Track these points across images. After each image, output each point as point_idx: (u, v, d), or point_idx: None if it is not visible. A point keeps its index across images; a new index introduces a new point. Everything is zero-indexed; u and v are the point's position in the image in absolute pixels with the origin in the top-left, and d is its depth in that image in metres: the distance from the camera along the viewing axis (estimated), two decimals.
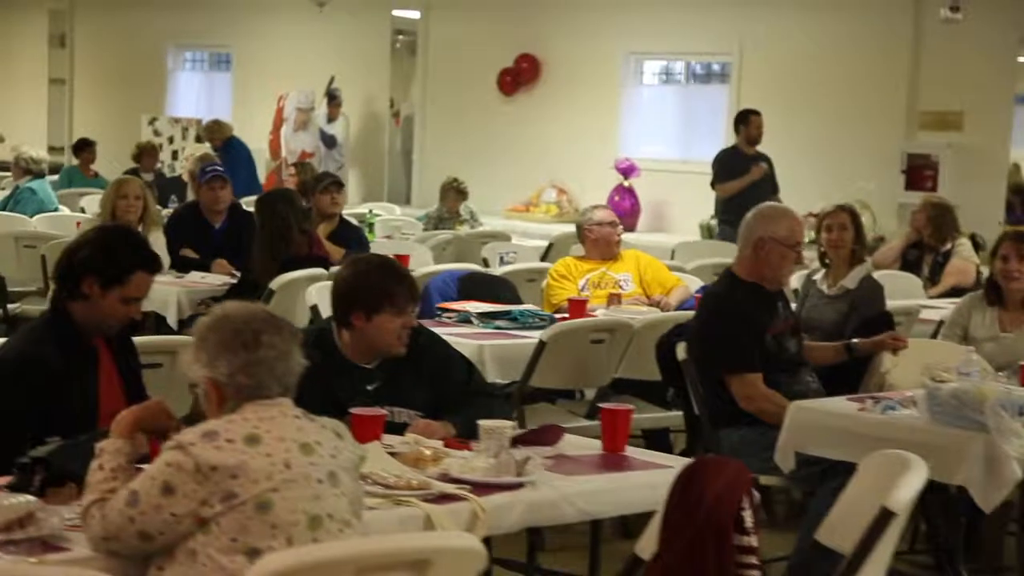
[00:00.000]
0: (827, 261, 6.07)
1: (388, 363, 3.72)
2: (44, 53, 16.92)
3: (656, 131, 12.34)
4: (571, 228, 9.96)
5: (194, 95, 15.79)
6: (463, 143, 13.08)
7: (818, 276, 6.10)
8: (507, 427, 3.36)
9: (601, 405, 3.71)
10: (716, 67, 12.15)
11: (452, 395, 3.72)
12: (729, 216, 9.33)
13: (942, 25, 9.96)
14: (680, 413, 5.24)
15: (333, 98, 13.62)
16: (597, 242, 6.61)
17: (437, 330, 5.53)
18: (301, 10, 13.74)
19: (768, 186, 9.70)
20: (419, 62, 13.57)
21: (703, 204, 11.25)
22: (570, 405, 5.72)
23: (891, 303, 6.75)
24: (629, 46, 12.17)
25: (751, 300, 4.86)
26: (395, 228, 9.79)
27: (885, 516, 3.02)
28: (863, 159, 10.55)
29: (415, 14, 13.53)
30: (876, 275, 7.97)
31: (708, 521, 2.86)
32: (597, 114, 12.32)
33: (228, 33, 15.08)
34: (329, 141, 13.59)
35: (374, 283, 3.67)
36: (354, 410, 3.38)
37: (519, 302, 6.23)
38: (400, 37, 13.62)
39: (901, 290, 7.60)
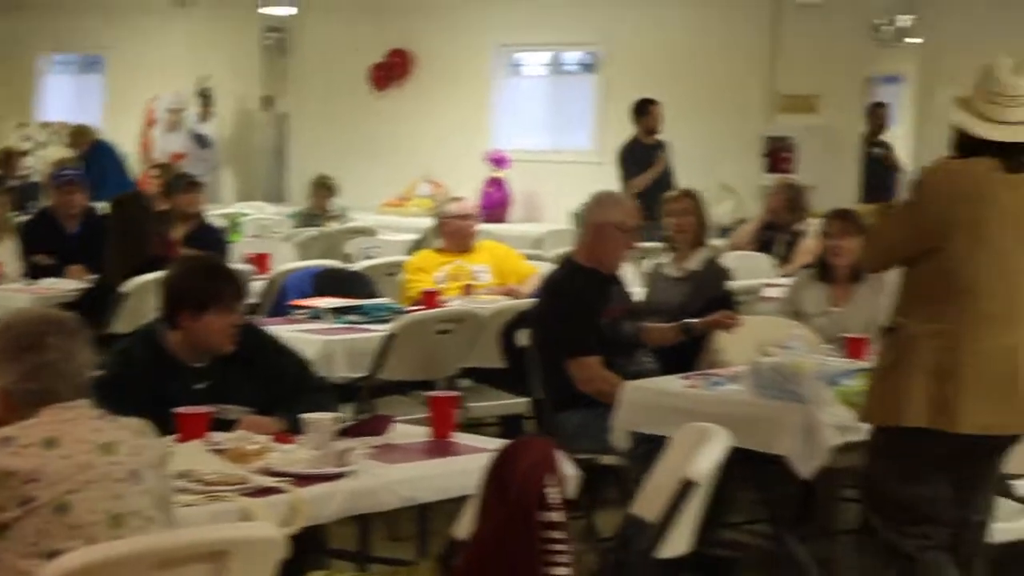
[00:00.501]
0: (673, 245, 6.26)
1: (218, 361, 3.79)
2: None
3: (527, 122, 12.49)
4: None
5: (65, 99, 15.60)
6: (336, 140, 13.12)
7: (664, 259, 6.28)
8: (329, 419, 3.45)
9: (428, 394, 3.82)
10: (584, 58, 12.32)
11: (284, 391, 3.80)
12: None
13: (799, 10, 10.24)
14: None
15: (204, 98, 13.58)
16: (452, 235, 6.73)
17: (288, 327, 5.67)
18: (169, 11, 13.67)
19: (670, 174, 9.80)
20: (290, 59, 13.57)
21: (573, 193, 11.41)
22: (424, 396, 5.81)
23: (739, 282, 6.98)
24: (499, 38, 12.31)
25: (588, 285, 5.02)
26: (264, 227, 9.84)
27: (687, 486, 3.17)
28: (726, 144, 10.80)
29: (285, 11, 13.51)
30: (730, 256, 8.25)
31: (516, 500, 2.98)
32: (468, 107, 12.45)
33: (98, 36, 14.92)
34: (201, 141, 13.54)
35: (201, 283, 3.75)
36: (178, 409, 3.45)
37: (374, 297, 6.33)
38: (270, 34, 13.60)
39: (753, 270, 7.83)
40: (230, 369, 3.79)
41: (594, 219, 5.07)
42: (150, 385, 3.66)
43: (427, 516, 3.87)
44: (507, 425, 6.09)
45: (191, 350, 3.77)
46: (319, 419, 3.43)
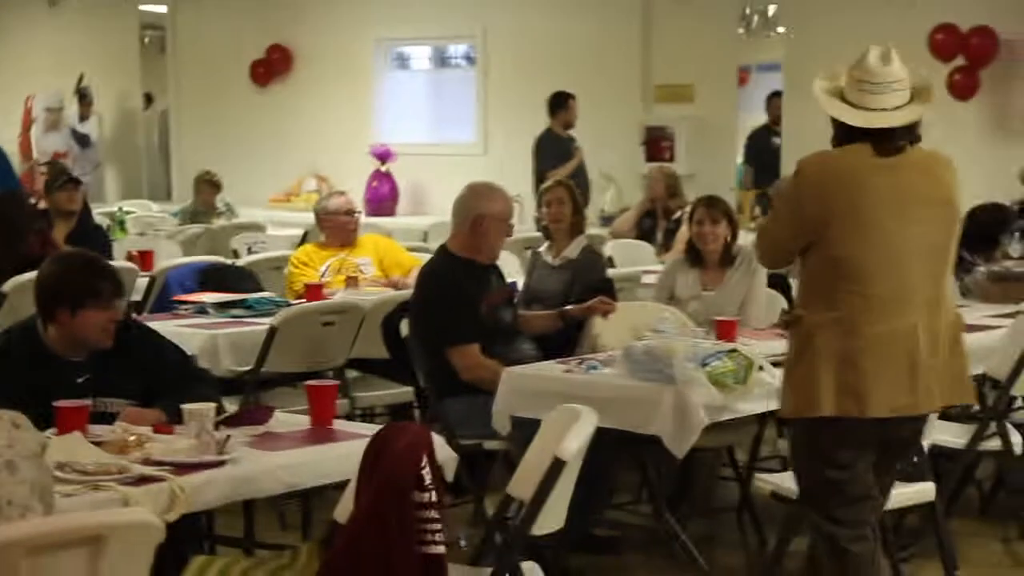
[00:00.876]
0: (550, 234, 6.38)
1: (97, 355, 3.82)
2: None
3: (410, 116, 12.56)
4: None
5: None
6: (221, 136, 13.08)
7: (542, 248, 6.41)
8: (208, 409, 3.51)
9: (307, 383, 3.88)
10: (465, 51, 12.43)
11: (165, 383, 3.84)
12: None
13: (670, 1, 10.45)
14: None
15: (84, 96, 13.45)
16: (334, 230, 6.79)
17: (172, 322, 5.70)
18: (43, 9, 13.50)
19: (583, 167, 9.88)
20: (169, 56, 13.48)
21: (459, 186, 11.50)
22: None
23: (619, 270, 7.15)
24: (379, 32, 12.37)
25: (466, 274, 5.12)
26: (148, 225, 9.79)
27: (556, 465, 3.29)
28: (606, 134, 10.97)
29: (163, 8, 13.43)
30: (612, 244, 8.43)
31: (388, 481, 3.07)
32: (352, 101, 12.49)
33: None
34: (82, 140, 13.40)
35: (78, 279, 3.77)
36: (58, 403, 3.48)
37: (260, 291, 6.37)
38: (149, 32, 13.51)
39: (634, 257, 8.01)
40: (110, 363, 3.82)
41: (471, 210, 5.17)
42: (29, 380, 3.68)
43: (313, 503, 3.93)
44: (396, 414, 6.19)
45: (69, 345, 3.80)
46: (198, 409, 3.49)
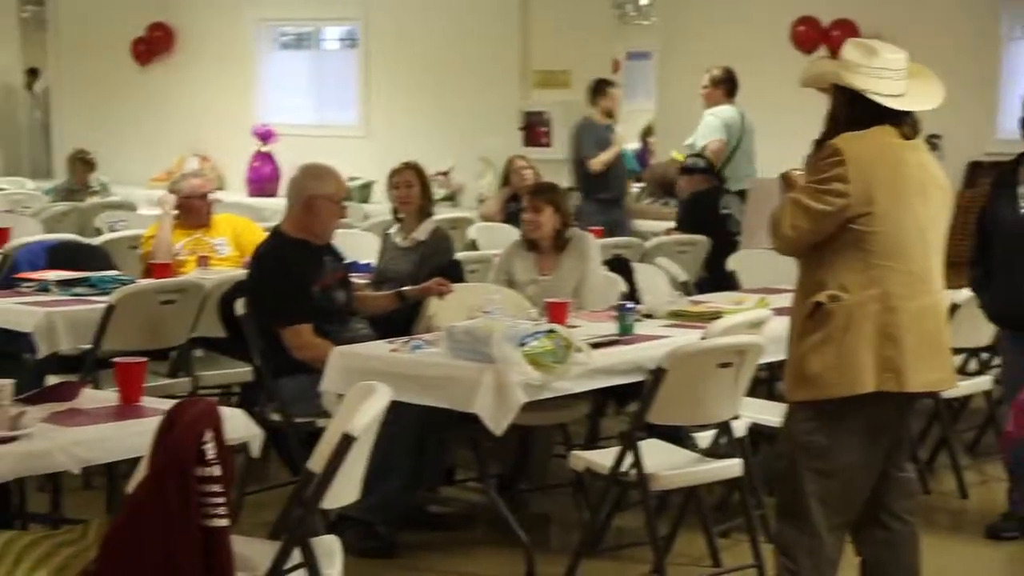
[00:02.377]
0: (399, 216, 6.44)
1: None
2: None
3: (292, 97, 12.53)
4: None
5: None
6: (101, 114, 12.95)
7: (393, 230, 6.47)
8: (4, 385, 3.52)
9: (116, 360, 3.91)
10: (346, 33, 12.42)
11: None
12: (599, 191, 9.12)
13: None
14: None
15: None
16: (188, 212, 6.77)
17: (13, 299, 5.67)
18: None
19: (623, 156, 9.61)
20: (49, 33, 13.31)
21: (341, 167, 11.45)
22: (153, 365, 5.88)
23: (471, 253, 7.23)
24: (259, 13, 12.31)
25: (299, 255, 5.17)
26: (16, 202, 9.69)
27: (345, 440, 3.35)
28: (486, 118, 11.03)
29: None
30: (478, 227, 8.50)
31: (169, 455, 3.12)
32: (233, 81, 12.42)
33: None
34: None
35: None
36: None
37: (112, 270, 6.35)
38: (28, 7, 13.32)
39: (498, 240, 8.08)
40: None
41: (304, 192, 5.22)
42: None
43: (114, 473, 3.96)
44: (244, 393, 6.21)
45: None
46: None
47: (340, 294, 5.28)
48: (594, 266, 5.84)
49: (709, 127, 8.97)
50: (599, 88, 9.51)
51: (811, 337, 3.71)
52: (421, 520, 5.22)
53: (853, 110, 3.74)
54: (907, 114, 3.76)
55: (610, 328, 5.14)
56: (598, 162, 9.10)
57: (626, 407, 5.53)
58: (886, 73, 3.73)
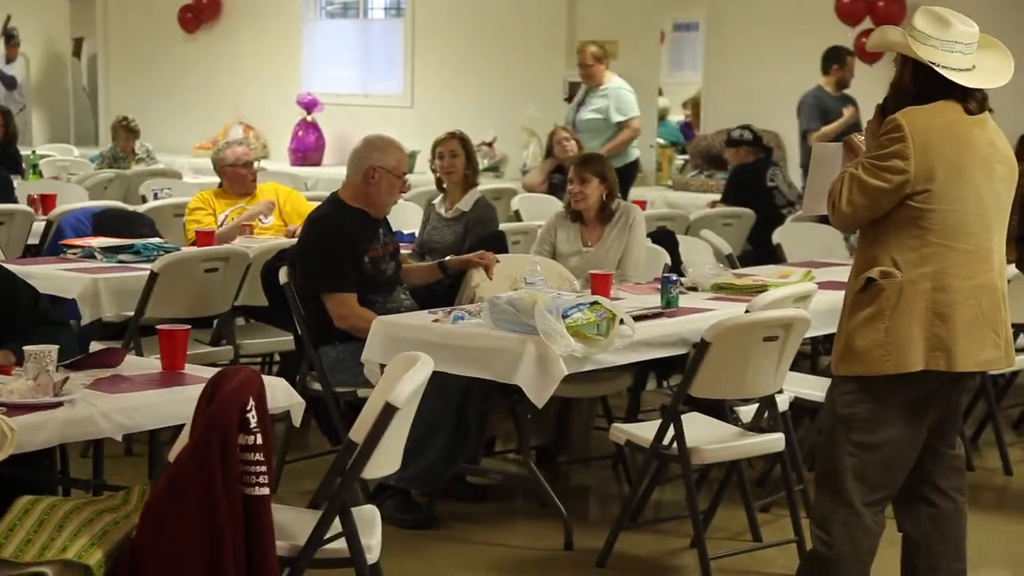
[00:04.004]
0: (443, 186, 6.42)
1: None
2: None
3: (337, 66, 12.52)
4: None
5: None
6: (147, 82, 13.01)
7: (436, 200, 6.45)
8: (49, 351, 3.54)
9: (159, 327, 3.91)
10: (392, 1, 12.39)
11: (16, 324, 3.86)
12: None
13: None
14: None
15: (11, 38, 13.32)
16: (232, 180, 6.79)
17: (59, 266, 5.71)
18: None
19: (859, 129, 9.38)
20: (98, 1, 13.36)
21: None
22: (196, 333, 5.90)
23: (515, 224, 7.21)
24: None
25: (356, 224, 5.16)
26: (62, 169, 9.75)
27: (388, 410, 3.34)
28: (530, 88, 10.98)
29: None
30: (521, 197, 8.47)
31: (212, 422, 3.12)
32: (278, 50, 12.44)
33: None
34: (8, 82, 13.29)
35: None
36: None
37: (156, 236, 6.37)
38: None
39: (541, 211, 8.05)
40: None
41: (366, 162, 5.20)
42: None
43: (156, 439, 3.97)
44: (284, 362, 6.23)
45: None
46: (38, 350, 3.51)
47: (390, 266, 5.27)
48: (639, 238, 5.81)
49: None
50: (836, 56, 8.92)
51: (861, 312, 3.67)
52: (460, 491, 5.22)
53: (919, 82, 3.66)
54: (975, 89, 3.68)
55: (654, 300, 5.11)
56: (819, 136, 8.45)
57: (668, 380, 5.51)
58: (957, 47, 3.64)
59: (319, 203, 6.35)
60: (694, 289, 5.41)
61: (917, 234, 3.62)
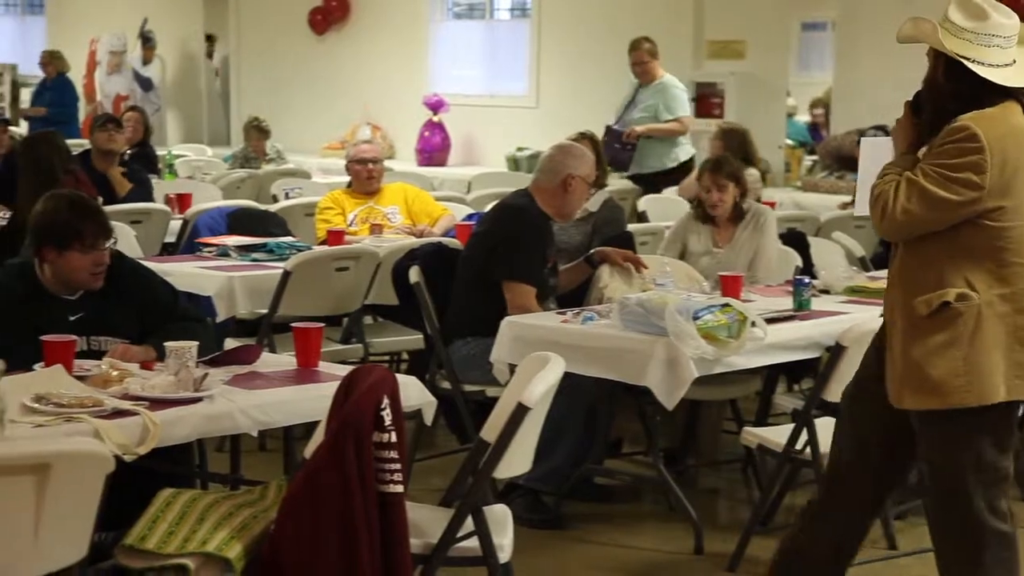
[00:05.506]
0: None
1: (90, 294, 3.93)
2: None
3: (463, 66, 12.59)
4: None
5: (7, 40, 15.61)
6: (277, 83, 13.21)
7: None
8: (189, 347, 3.61)
9: (293, 325, 3.97)
10: (518, 2, 12.42)
11: (157, 321, 3.95)
12: None
13: None
14: None
15: (147, 40, 13.64)
16: (358, 178, 6.87)
17: (195, 264, 5.82)
18: None
19: None
20: (230, 3, 13.62)
21: (510, 137, 11.58)
22: (326, 331, 5.97)
23: (641, 225, 7.18)
24: None
25: (546, 227, 5.22)
26: (197, 168, 9.94)
27: (520, 410, 3.34)
28: None
29: None
30: (647, 199, 8.42)
31: (348, 420, 3.16)
32: (405, 51, 12.55)
33: None
34: (145, 84, 13.61)
35: (63, 220, 3.87)
36: (44, 337, 3.59)
37: (288, 235, 6.47)
38: None
39: (669, 212, 7.98)
40: (103, 302, 3.92)
41: (563, 170, 5.21)
42: (26, 315, 3.80)
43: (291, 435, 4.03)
44: (413, 360, 6.28)
45: (61, 284, 3.90)
46: (179, 346, 3.59)
47: (553, 278, 5.30)
48: (771, 240, 5.74)
49: None
50: None
51: (932, 339, 3.35)
52: (588, 492, 5.21)
53: (954, 79, 3.35)
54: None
55: (785, 303, 5.04)
56: None
57: (799, 384, 5.44)
58: (996, 40, 3.31)
59: (501, 198, 6.08)
60: (826, 292, 5.33)
61: (993, 253, 3.34)
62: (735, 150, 8.36)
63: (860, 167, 3.74)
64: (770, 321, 4.65)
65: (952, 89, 3.36)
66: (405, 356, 6.51)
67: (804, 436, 4.39)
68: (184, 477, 3.85)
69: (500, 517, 3.60)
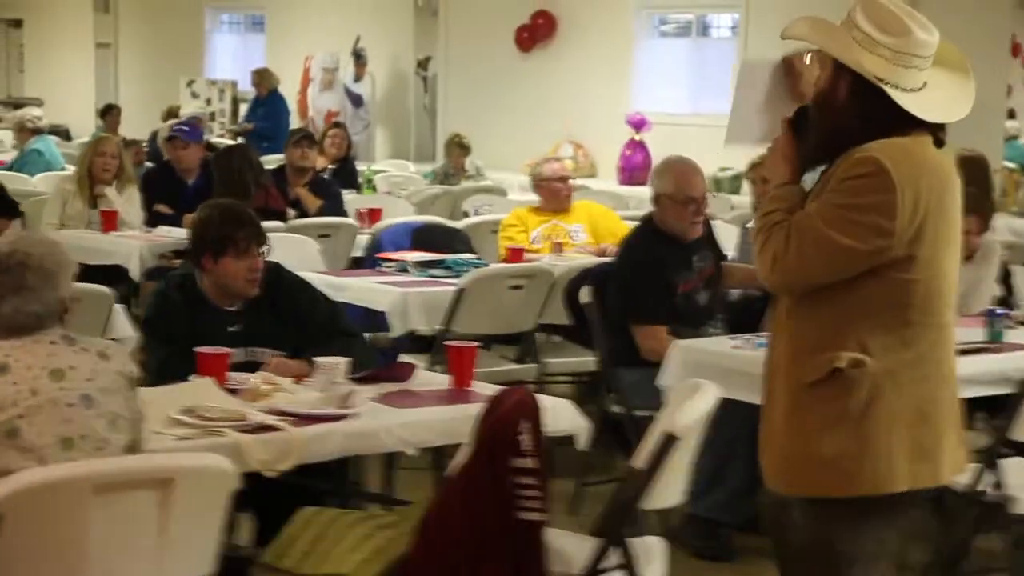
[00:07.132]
0: (756, 208, 6.20)
1: (251, 305, 3.96)
2: (90, 18, 17.40)
3: (667, 85, 12.43)
4: (583, 182, 10.16)
5: (230, 57, 16.14)
6: (483, 100, 13.29)
7: (751, 224, 6.23)
8: (340, 363, 3.58)
9: (447, 343, 3.91)
10: (725, 20, 12.20)
11: (314, 335, 3.94)
12: None
13: None
14: None
15: (359, 58, 13.90)
16: (547, 196, 6.80)
17: (374, 278, 5.85)
18: None
19: None
20: (440, 21, 13.77)
21: (713, 157, 11.32)
22: (502, 350, 5.93)
23: None
24: (642, 0, 12.29)
25: (667, 252, 5.05)
26: (396, 184, 10.05)
27: (668, 439, 3.20)
28: None
29: None
30: None
31: (483, 444, 3.07)
32: (610, 68, 12.46)
33: None
34: (355, 100, 13.87)
35: (216, 227, 3.91)
36: (199, 348, 3.62)
37: (471, 252, 6.44)
38: None
39: None
40: (262, 313, 3.95)
41: (654, 188, 5.14)
42: (186, 325, 3.84)
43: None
44: (587, 382, 6.16)
45: (220, 293, 3.94)
46: (328, 362, 3.56)
47: (703, 296, 5.13)
48: (992, 272, 5.45)
49: None
50: None
51: (819, 410, 2.75)
52: (757, 524, 5.00)
53: (864, 103, 2.73)
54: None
55: (979, 334, 4.75)
56: None
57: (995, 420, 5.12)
58: (914, 60, 2.70)
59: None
60: None
61: (895, 311, 2.72)
62: (980, 183, 7.93)
63: (736, 94, 2.99)
64: (961, 352, 4.36)
65: (857, 110, 2.75)
66: (585, 378, 6.40)
67: (991, 477, 4.11)
68: (330, 494, 3.83)
69: (650, 549, 3.46)
